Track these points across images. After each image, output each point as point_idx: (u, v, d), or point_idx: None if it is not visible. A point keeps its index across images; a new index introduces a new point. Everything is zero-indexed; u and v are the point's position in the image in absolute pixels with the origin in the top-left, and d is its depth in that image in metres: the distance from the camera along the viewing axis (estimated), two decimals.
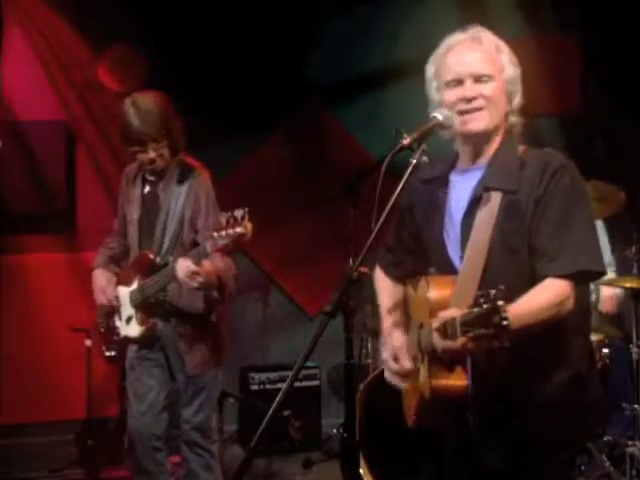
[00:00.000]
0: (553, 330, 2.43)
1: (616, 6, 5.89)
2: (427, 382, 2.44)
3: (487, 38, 2.59)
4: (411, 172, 2.48)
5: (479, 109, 2.52)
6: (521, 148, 2.59)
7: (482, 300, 2.10)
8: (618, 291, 4.99)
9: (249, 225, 3.41)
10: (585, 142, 6.03)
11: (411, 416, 2.69)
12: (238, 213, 3.40)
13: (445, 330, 2.28)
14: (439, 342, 2.31)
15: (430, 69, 2.62)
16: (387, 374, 2.70)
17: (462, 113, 2.52)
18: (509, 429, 2.50)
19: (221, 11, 5.74)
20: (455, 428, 2.60)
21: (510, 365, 2.43)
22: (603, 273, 2.50)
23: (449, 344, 2.28)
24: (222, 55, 5.83)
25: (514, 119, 2.59)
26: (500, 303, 2.06)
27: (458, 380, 2.42)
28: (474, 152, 2.60)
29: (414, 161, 2.48)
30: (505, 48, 2.59)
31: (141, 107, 3.79)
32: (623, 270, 5.00)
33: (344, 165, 5.91)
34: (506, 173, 2.52)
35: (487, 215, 2.49)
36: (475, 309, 2.11)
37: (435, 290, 2.46)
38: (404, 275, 2.82)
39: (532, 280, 2.41)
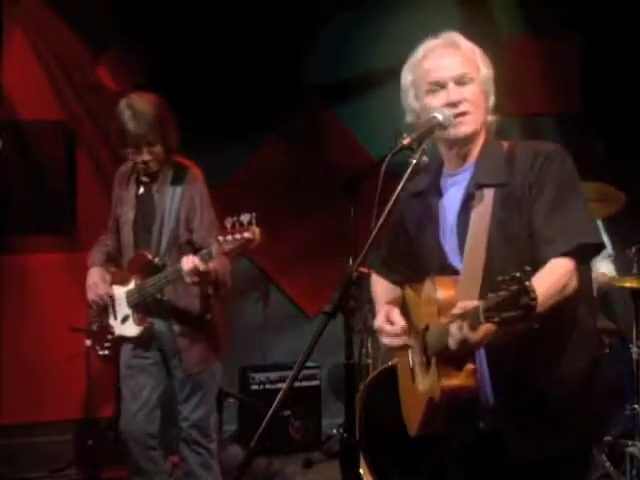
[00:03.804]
0: (566, 314, 2.44)
1: (616, 5, 5.89)
2: (436, 384, 2.43)
3: (462, 42, 2.60)
4: (411, 172, 2.48)
5: (465, 113, 2.52)
6: (506, 143, 2.61)
7: (507, 284, 2.09)
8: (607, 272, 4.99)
9: (257, 230, 3.40)
10: (585, 142, 6.02)
11: (415, 424, 2.67)
12: (245, 218, 3.39)
13: (464, 322, 2.27)
14: (457, 334, 2.29)
15: (407, 77, 2.63)
16: (384, 339, 2.70)
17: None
18: (532, 422, 2.48)
19: (220, 13, 5.74)
20: (464, 431, 2.60)
21: (526, 355, 2.44)
22: (602, 245, 2.51)
23: (469, 335, 2.27)
24: (221, 56, 5.83)
25: (490, 118, 2.61)
26: (528, 283, 2.05)
27: (468, 380, 2.41)
28: (460, 155, 2.60)
29: (414, 161, 2.49)
30: (477, 50, 2.60)
31: (136, 109, 3.79)
32: (623, 270, 5.00)
33: (344, 165, 5.91)
34: (496, 168, 2.54)
35: (482, 210, 2.50)
36: (501, 292, 2.10)
37: (442, 290, 2.46)
38: (402, 280, 2.82)
39: (533, 268, 2.40)
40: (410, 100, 2.62)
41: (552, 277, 2.38)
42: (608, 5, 5.92)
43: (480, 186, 2.53)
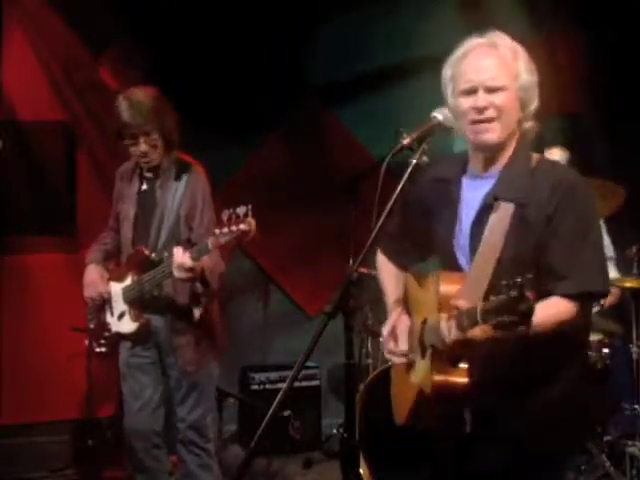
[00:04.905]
0: (557, 342, 2.45)
1: (618, 5, 5.89)
2: (429, 377, 2.45)
3: (504, 43, 2.57)
4: (411, 172, 2.49)
5: (490, 120, 2.51)
6: (534, 158, 2.59)
7: (507, 288, 2.10)
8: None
9: (253, 222, 3.40)
10: (586, 141, 6.02)
11: (403, 413, 2.68)
12: (241, 210, 3.40)
13: (461, 321, 2.28)
14: (454, 333, 2.31)
15: (447, 72, 2.61)
16: (384, 351, 2.74)
17: (474, 123, 2.52)
18: (507, 427, 2.51)
19: (220, 13, 5.74)
20: (451, 428, 2.61)
21: (514, 367, 2.46)
22: (606, 294, 2.56)
23: (463, 335, 2.29)
24: (221, 56, 5.83)
25: (528, 125, 2.59)
26: (526, 292, 2.07)
27: (461, 377, 2.42)
28: (486, 159, 2.60)
29: (414, 161, 2.49)
30: (522, 54, 2.57)
31: (133, 100, 3.81)
32: (623, 270, 5.00)
33: (344, 165, 5.92)
34: (518, 185, 2.53)
35: (498, 224, 2.50)
36: (500, 296, 2.12)
37: (445, 285, 2.47)
38: (408, 263, 2.85)
39: (537, 298, 2.41)
40: (448, 94, 2.61)
41: (549, 312, 2.40)
42: (611, 5, 5.92)
43: (499, 199, 2.52)
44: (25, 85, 5.77)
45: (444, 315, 2.37)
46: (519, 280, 2.09)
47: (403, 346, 2.65)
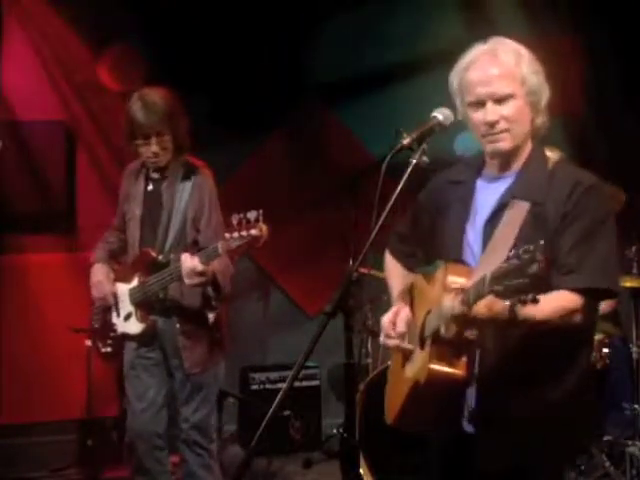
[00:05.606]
0: (561, 339, 2.45)
1: (619, 5, 5.89)
2: (425, 366, 2.43)
3: (506, 51, 2.56)
4: (411, 172, 2.49)
5: (502, 131, 2.52)
6: (551, 159, 2.60)
7: (518, 254, 2.10)
8: None
9: (264, 227, 3.38)
10: (587, 143, 6.02)
11: (394, 411, 2.66)
12: (251, 215, 3.37)
13: (466, 295, 2.28)
14: (458, 308, 2.30)
15: (453, 82, 2.61)
16: (381, 336, 2.71)
17: (486, 135, 2.54)
18: (507, 427, 2.50)
19: (221, 12, 5.75)
20: (445, 428, 2.60)
21: (516, 364, 2.45)
22: (618, 293, 2.53)
23: (467, 310, 2.28)
24: (222, 55, 5.83)
25: (539, 121, 2.60)
26: (539, 255, 2.06)
27: (459, 369, 2.40)
28: (502, 163, 2.60)
29: (414, 161, 2.50)
30: (525, 57, 2.57)
31: (147, 100, 3.81)
32: (623, 270, 4.99)
33: (344, 165, 5.92)
34: (535, 184, 2.53)
35: (512, 221, 2.50)
36: (511, 261, 2.11)
37: (453, 276, 2.46)
38: (415, 265, 2.84)
39: (544, 292, 2.39)
40: (458, 103, 2.62)
41: (554, 304, 2.38)
42: (610, 7, 5.92)
43: (516, 197, 2.53)
44: (25, 85, 5.77)
45: (449, 294, 2.36)
46: (530, 247, 2.08)
47: (401, 329, 2.62)
